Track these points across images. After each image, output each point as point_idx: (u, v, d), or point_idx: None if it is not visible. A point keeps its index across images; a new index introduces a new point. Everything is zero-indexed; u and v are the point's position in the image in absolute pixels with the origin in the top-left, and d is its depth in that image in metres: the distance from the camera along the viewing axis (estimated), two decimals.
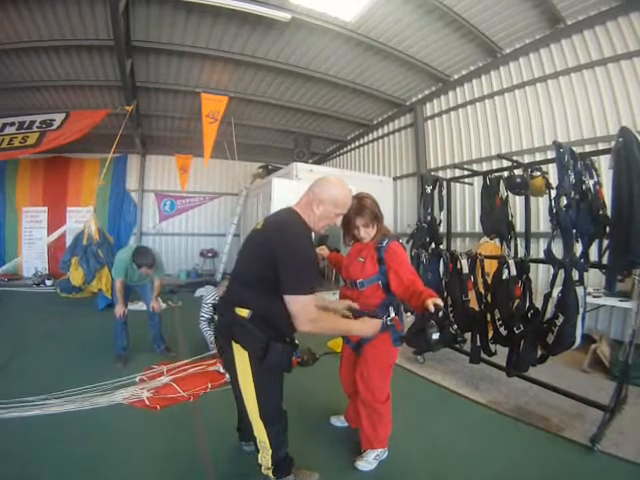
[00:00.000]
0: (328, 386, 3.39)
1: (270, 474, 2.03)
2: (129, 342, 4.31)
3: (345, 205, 2.08)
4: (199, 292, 8.47)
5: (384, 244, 2.31)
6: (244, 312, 1.84)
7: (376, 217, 2.35)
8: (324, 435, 2.83)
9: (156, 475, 2.35)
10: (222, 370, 3.82)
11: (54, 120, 7.62)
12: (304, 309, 1.80)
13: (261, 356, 1.81)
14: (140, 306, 4.90)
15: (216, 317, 2.16)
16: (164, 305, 6.09)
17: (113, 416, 3.03)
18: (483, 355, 3.69)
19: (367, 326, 2.16)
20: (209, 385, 3.56)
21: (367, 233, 2.38)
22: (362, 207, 2.32)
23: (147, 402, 3.24)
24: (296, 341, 2.06)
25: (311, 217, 1.98)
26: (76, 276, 7.13)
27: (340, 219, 2.13)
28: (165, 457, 2.52)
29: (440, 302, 1.99)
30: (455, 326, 2.18)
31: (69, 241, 8.22)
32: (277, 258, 1.77)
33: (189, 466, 2.43)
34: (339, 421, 2.96)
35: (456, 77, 7.64)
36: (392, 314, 2.33)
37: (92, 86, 8.02)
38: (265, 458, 1.99)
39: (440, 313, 1.95)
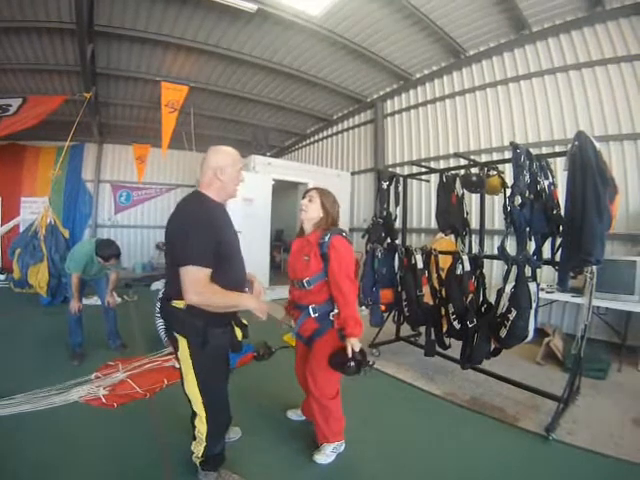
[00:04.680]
0: (285, 380, 3.37)
1: (198, 464, 2.05)
2: (84, 338, 4.16)
3: (238, 157, 2.09)
4: (155, 286, 8.33)
5: (326, 239, 2.25)
6: (180, 303, 1.84)
7: (324, 205, 2.39)
8: (282, 429, 2.82)
9: (115, 474, 2.28)
10: (177, 366, 3.74)
11: (10, 105, 7.16)
12: (193, 279, 1.72)
13: (200, 343, 1.82)
14: (95, 301, 4.73)
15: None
16: (119, 299, 5.92)
17: (70, 415, 2.93)
18: (438, 348, 3.76)
19: (255, 301, 1.94)
20: (165, 381, 3.48)
21: (307, 207, 2.41)
22: (325, 188, 2.45)
23: (104, 400, 3.15)
24: (244, 321, 2.08)
25: (217, 186, 1.98)
26: (16, 269, 6.93)
27: (242, 174, 2.11)
28: (124, 455, 2.45)
29: (357, 346, 2.19)
30: (371, 362, 2.27)
31: None
32: (173, 236, 1.83)
33: (148, 463, 2.37)
34: (295, 415, 2.95)
35: (418, 76, 7.78)
36: (335, 310, 2.32)
37: (51, 70, 7.63)
38: (198, 449, 2.01)
39: (357, 355, 2.18)
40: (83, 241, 4.43)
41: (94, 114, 9.25)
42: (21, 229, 8.61)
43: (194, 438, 2.03)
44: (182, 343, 1.89)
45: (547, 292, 4.53)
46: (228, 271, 1.89)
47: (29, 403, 3.02)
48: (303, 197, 2.48)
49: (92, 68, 7.12)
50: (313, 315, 2.33)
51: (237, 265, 2.02)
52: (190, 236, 1.75)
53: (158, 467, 2.34)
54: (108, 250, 3.99)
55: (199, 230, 1.78)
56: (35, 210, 8.55)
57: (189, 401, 2.00)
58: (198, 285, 1.72)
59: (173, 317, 1.90)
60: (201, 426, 1.96)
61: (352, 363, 2.18)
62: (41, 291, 6.58)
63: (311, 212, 2.39)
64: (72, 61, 7.09)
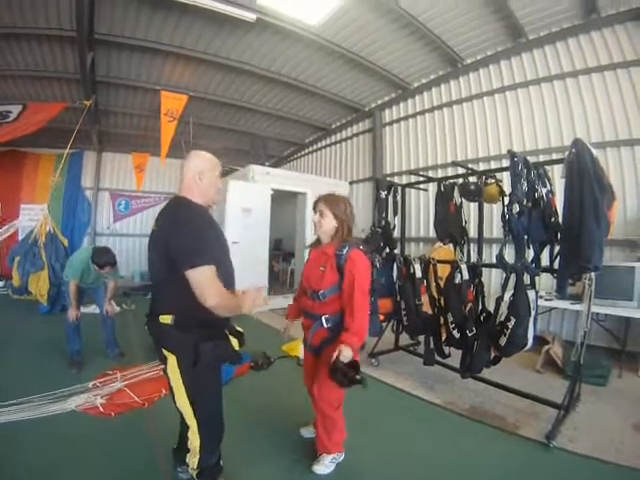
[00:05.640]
0: (284, 390, 3.38)
1: (194, 475, 2.00)
2: (82, 346, 4.15)
3: (217, 162, 2.03)
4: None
5: (344, 252, 2.24)
6: (167, 319, 1.79)
7: (336, 216, 2.35)
8: (281, 439, 2.80)
9: None
10: None
11: (10, 112, 7.19)
12: (208, 280, 1.65)
13: (192, 361, 1.75)
14: (93, 309, 4.72)
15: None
16: (118, 308, 5.90)
17: (67, 424, 2.91)
18: (437, 357, 3.76)
19: (247, 305, 1.79)
20: (163, 390, 3.40)
21: (320, 222, 2.37)
22: (332, 195, 2.39)
23: (101, 409, 3.13)
24: (239, 329, 2.02)
25: (196, 191, 1.91)
26: (16, 276, 6.90)
27: (220, 180, 2.06)
28: (121, 465, 2.43)
29: (347, 357, 2.06)
30: (358, 376, 2.13)
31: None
32: (173, 242, 1.69)
33: (146, 473, 2.36)
34: (308, 432, 2.82)
35: (416, 85, 7.83)
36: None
37: (51, 78, 7.68)
38: (192, 461, 1.96)
39: (339, 363, 2.07)
40: (81, 248, 4.45)
41: (94, 122, 9.30)
42: (20, 236, 8.60)
43: (187, 450, 1.99)
44: (171, 360, 1.82)
45: (546, 299, 4.53)
46: (222, 273, 1.78)
47: (26, 411, 3.01)
48: (314, 210, 2.43)
49: (92, 76, 7.16)
50: (326, 325, 2.30)
51: (229, 267, 1.96)
52: (196, 236, 1.70)
53: (157, 477, 2.32)
54: (104, 257, 3.99)
55: (204, 229, 1.77)
56: (34, 217, 8.54)
57: (180, 414, 1.96)
58: (215, 285, 1.66)
59: (161, 333, 1.83)
60: (194, 438, 1.90)
61: (336, 370, 2.10)
62: (42, 299, 6.56)
63: (325, 226, 2.37)
64: (72, 69, 7.13)
